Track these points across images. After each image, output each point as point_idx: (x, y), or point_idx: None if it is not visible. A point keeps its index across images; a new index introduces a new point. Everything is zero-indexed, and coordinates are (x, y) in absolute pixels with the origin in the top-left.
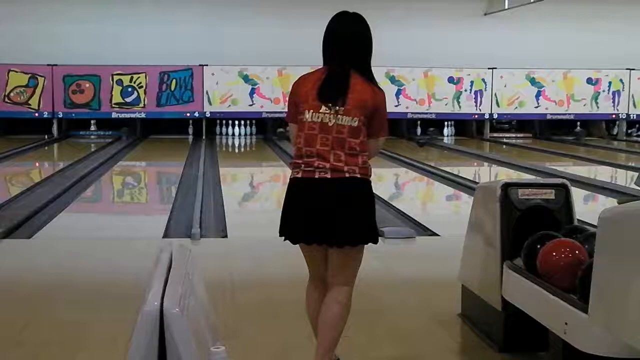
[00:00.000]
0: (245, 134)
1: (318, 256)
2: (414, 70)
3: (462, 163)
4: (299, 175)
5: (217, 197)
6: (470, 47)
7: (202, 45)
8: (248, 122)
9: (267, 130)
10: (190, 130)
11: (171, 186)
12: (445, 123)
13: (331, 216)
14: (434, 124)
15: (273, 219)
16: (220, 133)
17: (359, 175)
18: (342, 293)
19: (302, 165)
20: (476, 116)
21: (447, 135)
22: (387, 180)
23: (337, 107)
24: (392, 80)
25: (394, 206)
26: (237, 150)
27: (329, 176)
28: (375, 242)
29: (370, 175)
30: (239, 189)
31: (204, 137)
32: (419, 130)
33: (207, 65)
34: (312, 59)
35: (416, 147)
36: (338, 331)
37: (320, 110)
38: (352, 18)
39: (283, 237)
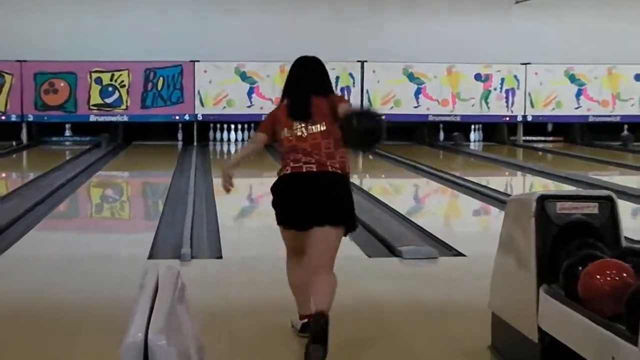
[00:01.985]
0: (243, 140)
1: (298, 239)
2: (435, 67)
3: (491, 172)
4: (288, 172)
5: (211, 212)
6: (500, 39)
7: (194, 38)
8: (246, 126)
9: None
10: (180, 136)
11: (158, 200)
12: (472, 127)
13: (315, 200)
14: (459, 127)
15: (274, 238)
16: (214, 139)
17: (339, 171)
18: (328, 272)
19: (291, 163)
20: (507, 118)
21: (474, 141)
22: (405, 192)
23: (306, 121)
24: (411, 77)
25: (412, 222)
26: (232, 157)
27: (314, 169)
28: (354, 229)
29: (348, 171)
30: (236, 202)
31: (195, 143)
32: (441, 135)
33: (198, 61)
34: (317, 53)
35: (450, 146)
36: (332, 293)
37: (293, 128)
38: (310, 61)
39: (279, 223)
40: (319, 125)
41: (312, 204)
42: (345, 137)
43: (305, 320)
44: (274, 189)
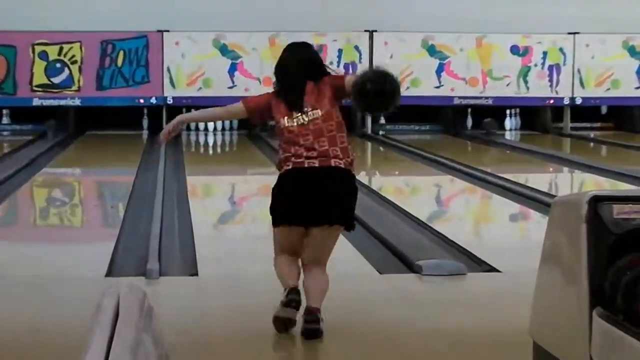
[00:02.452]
0: (223, 129)
1: (296, 237)
2: (462, 37)
3: (531, 168)
4: (290, 167)
5: (184, 219)
6: (541, 3)
7: (162, 3)
8: None
9: (254, 124)
10: (145, 124)
11: (118, 203)
12: (507, 112)
13: (316, 198)
14: (491, 112)
15: (262, 250)
16: (188, 128)
17: (342, 165)
18: (320, 271)
19: (292, 158)
20: (551, 101)
21: (510, 129)
22: (424, 193)
23: (303, 110)
24: (432, 51)
25: (434, 229)
26: (211, 152)
27: (317, 164)
28: (352, 227)
29: (352, 162)
30: (215, 206)
31: None
32: (469, 121)
33: (168, 31)
34: (313, 22)
35: (480, 135)
36: (324, 292)
37: (293, 117)
38: (297, 45)
39: (275, 220)
40: (318, 111)
41: (313, 200)
42: (361, 102)
43: (291, 287)
44: (276, 188)
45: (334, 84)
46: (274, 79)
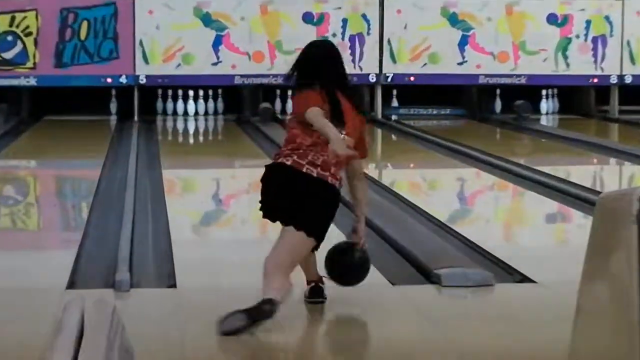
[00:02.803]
0: (207, 113)
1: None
2: (489, 4)
3: (571, 159)
4: (278, 160)
5: (160, 220)
6: None
7: None
8: (211, 92)
9: (243, 107)
10: (114, 108)
11: (81, 202)
12: (543, 93)
13: (288, 195)
14: (525, 93)
15: (251, 257)
16: (164, 112)
17: (329, 181)
18: (271, 278)
19: (285, 150)
20: (596, 80)
21: (547, 113)
22: (445, 189)
23: (337, 125)
24: (453, 20)
25: (456, 232)
26: (192, 141)
27: (301, 169)
28: (317, 240)
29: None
30: (196, 206)
31: (136, 118)
32: (497, 104)
33: None
34: None
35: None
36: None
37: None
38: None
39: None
40: (348, 138)
41: (284, 196)
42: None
43: (313, 284)
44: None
45: (361, 127)
46: (267, 54)
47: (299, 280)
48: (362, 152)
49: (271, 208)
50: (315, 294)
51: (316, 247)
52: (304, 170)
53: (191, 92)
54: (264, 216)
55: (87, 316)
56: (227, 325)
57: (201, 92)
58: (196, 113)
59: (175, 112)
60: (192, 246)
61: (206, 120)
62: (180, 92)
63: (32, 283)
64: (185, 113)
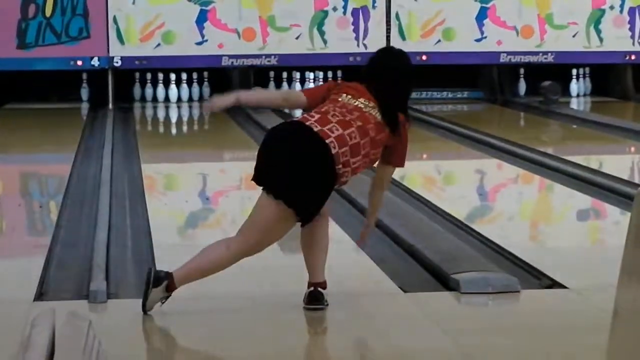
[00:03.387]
0: (191, 99)
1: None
2: None
3: (605, 148)
4: (295, 119)
5: (139, 222)
6: None
7: None
8: (195, 76)
9: (232, 92)
10: (85, 94)
11: (50, 201)
12: (574, 72)
13: (284, 165)
14: (552, 73)
15: (242, 263)
16: (143, 98)
17: (333, 151)
18: (234, 240)
19: (309, 113)
20: (633, 57)
21: (578, 95)
22: (463, 183)
23: (374, 105)
24: None
25: (476, 232)
26: (174, 131)
27: (315, 129)
28: (303, 218)
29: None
30: (180, 205)
31: (110, 106)
32: (522, 85)
33: None
34: None
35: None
36: (205, 268)
37: (359, 99)
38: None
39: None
40: (382, 122)
41: (280, 165)
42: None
43: (312, 288)
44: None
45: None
46: (260, 32)
47: (298, 285)
48: (397, 161)
49: (260, 169)
50: (314, 300)
51: (303, 222)
52: (307, 123)
53: (173, 76)
54: (253, 179)
55: (59, 332)
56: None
57: (184, 76)
58: (179, 99)
59: (155, 99)
60: (176, 251)
61: (190, 107)
62: (160, 75)
63: None
64: (167, 99)
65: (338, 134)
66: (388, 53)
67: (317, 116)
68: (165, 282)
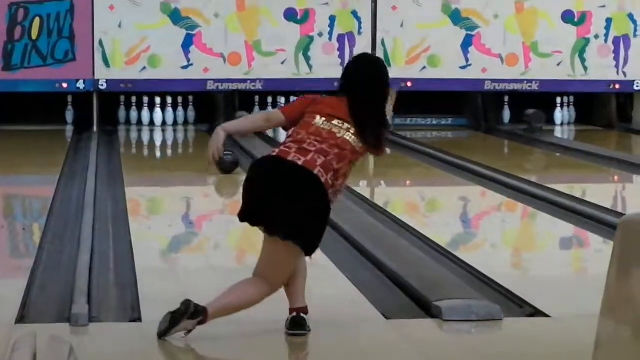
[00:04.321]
0: (175, 123)
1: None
2: (496, 0)
3: (589, 176)
4: (273, 154)
5: (122, 245)
6: None
7: None
8: (180, 100)
9: (216, 116)
10: (70, 117)
11: (33, 223)
12: (558, 100)
13: (278, 201)
14: (537, 101)
15: (227, 287)
16: (127, 121)
17: (322, 180)
18: (262, 283)
19: (281, 146)
20: (617, 86)
21: (562, 123)
22: (447, 210)
23: (350, 128)
24: (456, 18)
25: (459, 259)
26: (158, 154)
27: (300, 163)
28: (308, 252)
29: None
30: (163, 229)
31: (95, 128)
32: (506, 113)
33: None
34: None
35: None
36: (237, 305)
37: (333, 122)
38: (374, 61)
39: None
40: (358, 142)
41: (276, 203)
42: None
43: (294, 314)
44: (250, 172)
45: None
46: (245, 56)
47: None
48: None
49: (252, 210)
50: (297, 326)
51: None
52: (289, 158)
53: (158, 99)
54: (242, 219)
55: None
56: (159, 328)
57: (169, 99)
58: (164, 123)
59: (139, 122)
60: (159, 275)
61: (175, 131)
62: (145, 99)
63: None
64: (152, 123)
65: (322, 162)
66: (362, 61)
67: (294, 147)
68: (200, 317)
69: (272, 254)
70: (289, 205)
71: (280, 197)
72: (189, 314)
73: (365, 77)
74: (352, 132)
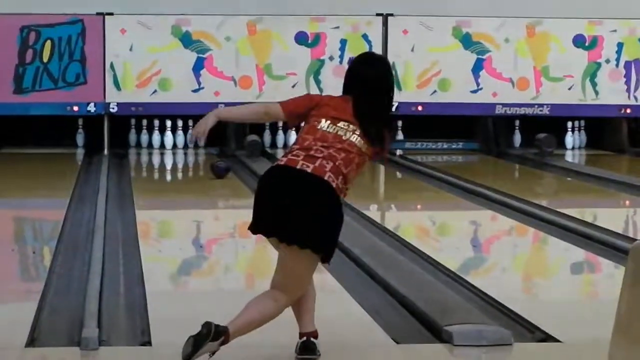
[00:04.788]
0: (186, 147)
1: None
2: (508, 24)
3: (600, 201)
4: (282, 163)
5: (132, 268)
6: None
7: None
8: (191, 123)
9: (227, 139)
10: (81, 140)
11: (43, 246)
12: (569, 125)
13: (290, 208)
14: (548, 126)
15: (236, 310)
16: (138, 144)
17: (333, 185)
18: (279, 295)
19: (289, 155)
20: (628, 110)
21: (573, 148)
22: (457, 234)
23: (356, 128)
24: (467, 42)
25: (470, 284)
26: (169, 178)
27: (309, 170)
28: (326, 256)
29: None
30: (173, 252)
31: (106, 151)
32: (517, 137)
33: (112, 13)
34: (308, 1)
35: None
36: (257, 321)
37: (338, 125)
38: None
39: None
40: (364, 143)
41: (290, 212)
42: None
43: (304, 338)
44: (262, 182)
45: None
46: (256, 80)
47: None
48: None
49: (265, 221)
50: (307, 351)
51: (326, 261)
52: (298, 166)
53: (169, 123)
54: (255, 231)
55: None
56: (183, 352)
57: (180, 123)
58: (174, 146)
59: (150, 145)
60: (169, 298)
61: (185, 154)
62: (156, 122)
63: None
64: (162, 146)
65: (330, 167)
66: (364, 61)
67: (302, 154)
68: (222, 337)
69: (289, 265)
70: (303, 214)
71: (293, 206)
72: (211, 336)
73: (369, 76)
74: (358, 133)
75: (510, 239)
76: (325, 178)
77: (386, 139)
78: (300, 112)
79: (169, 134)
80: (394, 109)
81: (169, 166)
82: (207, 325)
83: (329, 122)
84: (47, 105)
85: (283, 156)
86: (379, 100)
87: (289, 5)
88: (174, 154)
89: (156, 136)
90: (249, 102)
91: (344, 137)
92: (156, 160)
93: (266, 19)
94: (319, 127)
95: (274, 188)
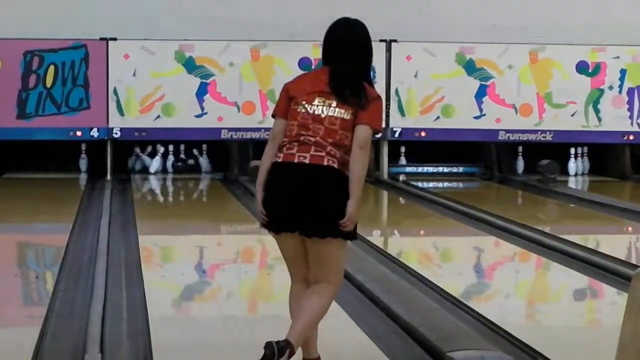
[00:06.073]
0: (190, 170)
1: (292, 248)
2: (511, 50)
3: (603, 227)
4: (280, 159)
5: (135, 294)
6: (617, 4)
7: (106, 2)
8: (195, 148)
9: (230, 165)
10: (83, 165)
11: (46, 271)
12: (572, 151)
13: (301, 202)
14: (551, 152)
15: (240, 337)
16: (142, 169)
17: (336, 166)
18: (322, 287)
19: (284, 150)
20: (631, 137)
21: (576, 174)
22: (460, 260)
23: (338, 100)
24: (470, 68)
25: (472, 310)
26: (171, 202)
27: (307, 161)
28: (350, 237)
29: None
30: (176, 277)
31: (109, 177)
32: (520, 164)
33: (115, 39)
34: (312, 28)
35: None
36: (311, 320)
37: (314, 103)
38: (352, 24)
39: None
40: (344, 111)
41: (302, 207)
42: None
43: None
44: (266, 183)
45: (368, 99)
46: (259, 104)
47: None
48: (365, 118)
49: (279, 219)
50: None
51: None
52: (296, 160)
53: (172, 148)
54: (273, 229)
55: None
56: None
57: (183, 148)
58: (176, 170)
59: (155, 171)
60: (171, 324)
61: (188, 180)
62: (159, 147)
63: None
64: (165, 171)
65: (327, 151)
66: (340, 26)
67: (295, 146)
68: (288, 350)
69: (319, 255)
70: (313, 205)
71: (303, 200)
72: (276, 354)
73: (343, 43)
74: (335, 104)
75: (513, 265)
76: (325, 164)
77: (363, 98)
78: (286, 105)
79: (172, 159)
80: (397, 135)
81: (171, 191)
82: (269, 346)
83: (304, 102)
84: (50, 130)
85: (279, 151)
86: (355, 67)
87: (295, 31)
88: (176, 179)
89: (159, 161)
90: (253, 128)
91: (322, 116)
92: (159, 185)
93: (270, 44)
94: (298, 111)
95: (281, 187)
